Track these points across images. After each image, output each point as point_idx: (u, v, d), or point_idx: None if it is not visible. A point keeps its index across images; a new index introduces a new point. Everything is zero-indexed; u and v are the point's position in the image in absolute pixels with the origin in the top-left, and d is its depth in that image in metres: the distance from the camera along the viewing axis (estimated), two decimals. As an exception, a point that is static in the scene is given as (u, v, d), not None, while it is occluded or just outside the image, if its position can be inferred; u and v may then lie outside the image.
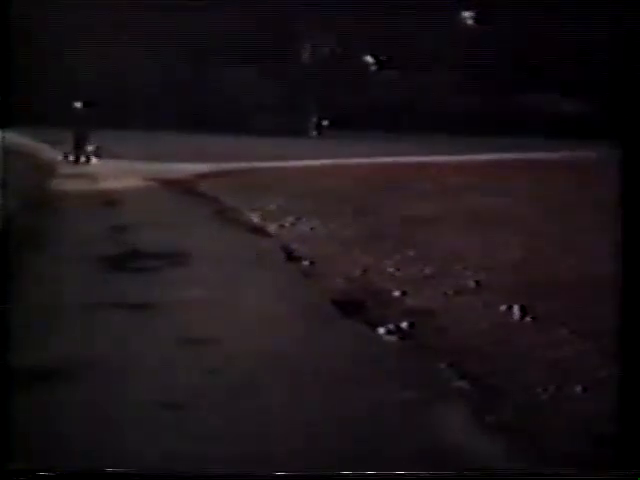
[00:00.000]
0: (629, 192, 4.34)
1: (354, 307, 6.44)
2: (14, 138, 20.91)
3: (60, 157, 17.82)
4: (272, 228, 10.12)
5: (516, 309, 6.24)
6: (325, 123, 23.17)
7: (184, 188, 14.27)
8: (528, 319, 6.07)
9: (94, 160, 17.32)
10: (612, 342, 4.81)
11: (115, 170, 16.78)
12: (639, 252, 4.33)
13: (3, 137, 5.95)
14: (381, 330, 5.81)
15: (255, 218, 10.83)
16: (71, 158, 17.22)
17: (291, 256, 8.47)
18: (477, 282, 7.17)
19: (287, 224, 10.34)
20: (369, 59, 25.20)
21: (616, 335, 4.38)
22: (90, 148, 17.31)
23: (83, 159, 17.23)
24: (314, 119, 25.87)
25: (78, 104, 17.57)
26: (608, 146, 4.42)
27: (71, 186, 14.19)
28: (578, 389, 4.72)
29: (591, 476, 3.75)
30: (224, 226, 10.44)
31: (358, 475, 3.68)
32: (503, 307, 6.33)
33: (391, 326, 5.86)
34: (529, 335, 5.73)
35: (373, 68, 25.25)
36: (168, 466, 3.72)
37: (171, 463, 3.78)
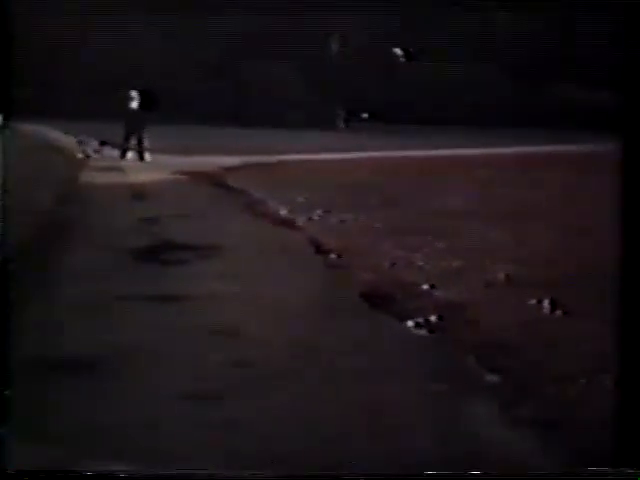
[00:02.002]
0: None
1: (383, 300, 6.41)
2: (48, 133, 21.15)
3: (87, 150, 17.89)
4: (301, 221, 10.11)
5: (546, 303, 6.18)
6: (365, 116, 23.08)
7: (213, 181, 14.31)
8: (559, 312, 6.01)
9: (129, 155, 17.34)
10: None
11: (145, 163, 16.87)
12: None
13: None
14: (410, 323, 5.78)
15: (284, 211, 10.83)
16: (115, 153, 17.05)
17: (320, 249, 8.46)
18: (507, 275, 7.11)
19: (316, 217, 10.32)
20: (398, 51, 25.03)
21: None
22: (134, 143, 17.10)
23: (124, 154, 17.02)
24: (343, 112, 25.80)
25: (134, 101, 17.30)
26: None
27: (102, 179, 14.30)
28: (610, 383, 4.66)
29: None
30: (253, 219, 10.45)
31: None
32: (533, 301, 6.27)
33: (420, 319, 5.82)
34: (560, 329, 5.67)
35: (402, 60, 25.06)
36: (198, 460, 3.73)
37: (201, 457, 3.78)
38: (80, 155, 17.57)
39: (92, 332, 5.50)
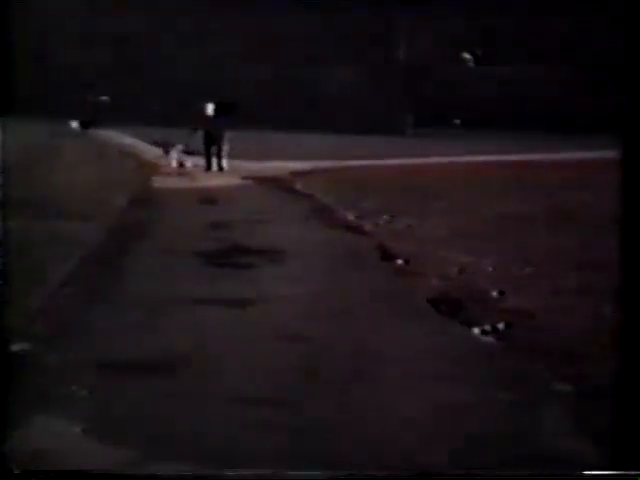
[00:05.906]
0: None
1: (450, 306, 6.38)
2: (122, 138, 21.58)
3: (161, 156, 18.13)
4: (367, 226, 10.12)
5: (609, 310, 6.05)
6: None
7: (281, 186, 14.43)
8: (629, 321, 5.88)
9: (189, 162, 17.43)
10: None
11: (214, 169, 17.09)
12: None
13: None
14: (477, 330, 5.74)
15: (350, 216, 10.86)
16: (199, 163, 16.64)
17: (386, 254, 8.46)
18: (578, 282, 6.99)
19: (382, 222, 10.32)
20: (467, 56, 24.79)
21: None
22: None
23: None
24: (410, 117, 25.68)
25: (210, 107, 17.16)
26: None
27: (172, 184, 14.56)
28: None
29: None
30: (320, 224, 10.51)
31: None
32: (604, 308, 6.16)
33: (487, 326, 5.78)
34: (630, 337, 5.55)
35: (470, 65, 24.81)
36: (251, 464, 3.76)
37: (255, 461, 3.83)
38: (154, 160, 17.93)
39: (162, 334, 5.61)
